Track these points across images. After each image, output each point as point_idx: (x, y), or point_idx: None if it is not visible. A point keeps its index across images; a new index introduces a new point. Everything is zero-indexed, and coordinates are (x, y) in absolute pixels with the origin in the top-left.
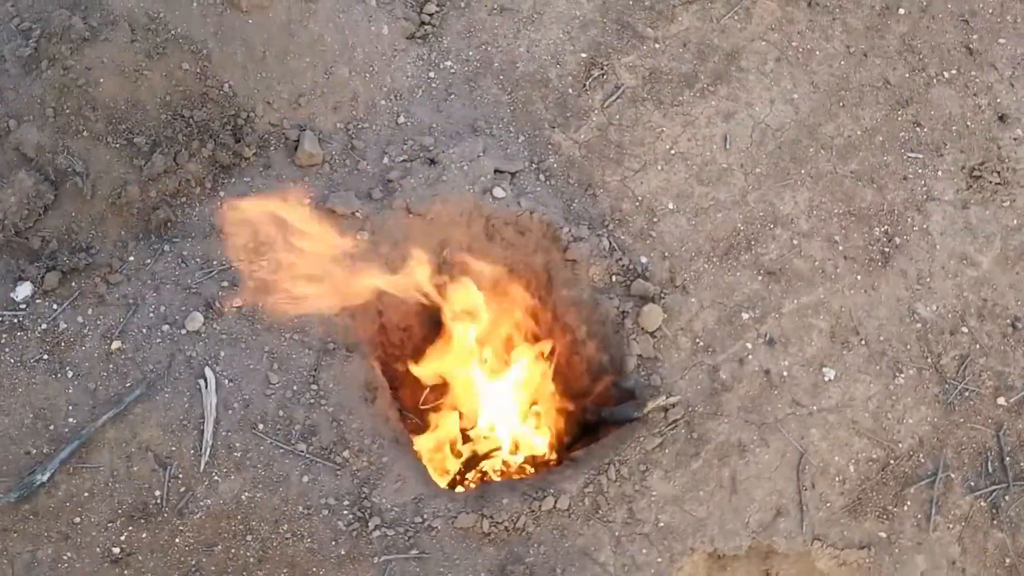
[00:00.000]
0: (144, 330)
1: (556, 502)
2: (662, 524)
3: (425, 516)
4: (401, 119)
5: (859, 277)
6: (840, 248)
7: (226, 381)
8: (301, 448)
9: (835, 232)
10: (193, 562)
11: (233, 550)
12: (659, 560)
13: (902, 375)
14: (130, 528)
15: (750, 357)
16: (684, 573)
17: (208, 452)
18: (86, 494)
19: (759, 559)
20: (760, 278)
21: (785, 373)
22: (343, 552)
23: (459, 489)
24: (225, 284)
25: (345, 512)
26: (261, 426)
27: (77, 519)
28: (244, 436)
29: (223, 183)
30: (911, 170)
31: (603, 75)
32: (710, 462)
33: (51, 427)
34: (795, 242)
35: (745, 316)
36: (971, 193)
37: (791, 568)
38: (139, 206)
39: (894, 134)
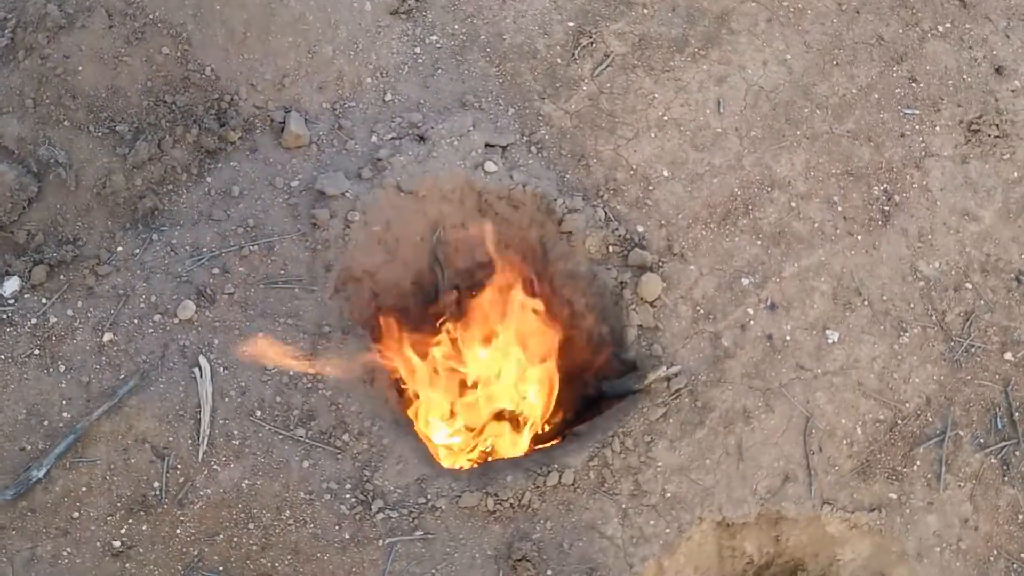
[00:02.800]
0: (135, 321)
1: (561, 477)
2: (669, 494)
3: (429, 496)
4: (388, 96)
5: (859, 237)
6: (839, 209)
7: (221, 369)
8: (300, 433)
9: (833, 193)
10: (195, 552)
11: (235, 539)
12: (667, 531)
13: (906, 334)
14: (130, 521)
15: (752, 323)
16: (693, 543)
17: (206, 441)
18: (84, 488)
19: (768, 526)
20: (759, 242)
21: (788, 337)
22: (347, 536)
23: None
24: (216, 271)
25: (347, 496)
26: (259, 413)
27: (76, 514)
28: (242, 423)
29: (209, 168)
30: (908, 127)
31: (592, 43)
32: (715, 430)
33: (45, 422)
34: (793, 204)
35: (745, 282)
36: (970, 147)
37: (801, 534)
38: (125, 195)
39: (890, 91)
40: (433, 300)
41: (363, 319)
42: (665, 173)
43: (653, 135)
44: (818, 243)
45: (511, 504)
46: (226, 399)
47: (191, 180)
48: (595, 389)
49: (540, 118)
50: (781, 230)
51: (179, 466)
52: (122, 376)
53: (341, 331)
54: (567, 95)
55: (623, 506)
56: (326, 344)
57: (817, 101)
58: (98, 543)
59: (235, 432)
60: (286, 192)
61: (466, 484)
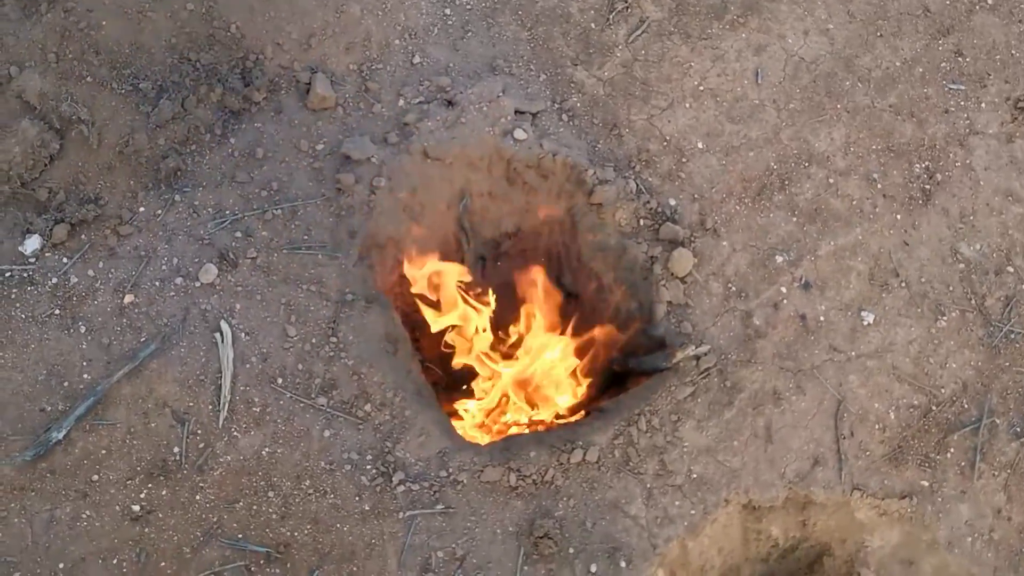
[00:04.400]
0: (157, 283)
1: (585, 454)
2: (695, 475)
3: (450, 470)
4: (416, 59)
5: (899, 216)
6: (879, 186)
7: (242, 335)
8: (321, 402)
9: (873, 169)
10: (215, 519)
11: (255, 506)
12: (692, 512)
13: (944, 318)
14: (149, 485)
15: (785, 302)
16: (718, 525)
17: (226, 407)
18: (103, 451)
19: (796, 510)
20: (795, 219)
21: (822, 318)
22: (367, 508)
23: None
24: (238, 235)
25: (368, 467)
26: (280, 380)
27: (95, 477)
28: (263, 391)
29: (233, 129)
30: (953, 103)
31: (627, 8)
32: (744, 411)
33: (65, 383)
34: (831, 181)
35: (779, 259)
36: (1016, 126)
37: (829, 519)
38: (147, 155)
39: (935, 65)
40: None
41: (387, 287)
42: (699, 145)
43: (688, 105)
44: (856, 221)
45: (534, 480)
46: (247, 365)
47: (214, 141)
48: (621, 365)
49: (572, 85)
50: (818, 207)
51: (199, 432)
52: (143, 339)
53: (365, 299)
54: (600, 62)
55: (648, 486)
56: (349, 312)
57: (859, 74)
58: (117, 507)
59: (256, 399)
60: (311, 155)
61: (488, 459)
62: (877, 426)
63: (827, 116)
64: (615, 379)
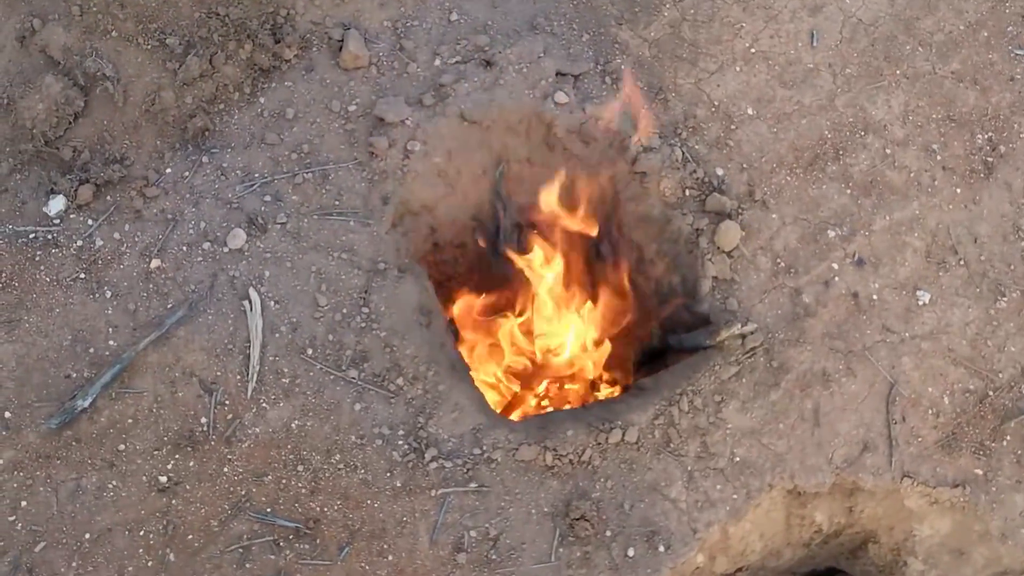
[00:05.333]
0: (184, 248)
1: (624, 434)
2: (738, 459)
3: (484, 447)
4: (454, 16)
5: (959, 190)
6: (938, 158)
7: (272, 303)
8: (352, 375)
9: (933, 140)
10: (243, 492)
11: (284, 480)
12: (734, 496)
13: (1004, 299)
14: (176, 456)
15: (836, 279)
16: (761, 510)
17: (255, 378)
18: (130, 420)
19: (843, 496)
20: (848, 191)
21: (875, 296)
22: (399, 484)
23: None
24: (267, 199)
25: (400, 442)
26: (310, 351)
27: (121, 446)
28: (292, 361)
29: (263, 88)
30: (1019, 69)
31: None
32: (791, 393)
33: (91, 350)
34: (888, 151)
35: (831, 234)
36: None
37: (877, 506)
38: (174, 113)
39: (1000, 29)
40: (494, 237)
41: (421, 256)
42: (749, 111)
43: (738, 69)
44: (913, 195)
45: (570, 460)
46: (276, 335)
47: (243, 100)
48: (661, 341)
49: (616, 46)
50: (873, 179)
51: (227, 402)
52: (170, 305)
53: (398, 269)
54: (646, 21)
55: (689, 468)
56: (381, 282)
57: (920, 37)
58: (144, 477)
59: (285, 370)
60: (343, 117)
61: (523, 436)
62: (930, 411)
63: (885, 82)
64: (654, 355)
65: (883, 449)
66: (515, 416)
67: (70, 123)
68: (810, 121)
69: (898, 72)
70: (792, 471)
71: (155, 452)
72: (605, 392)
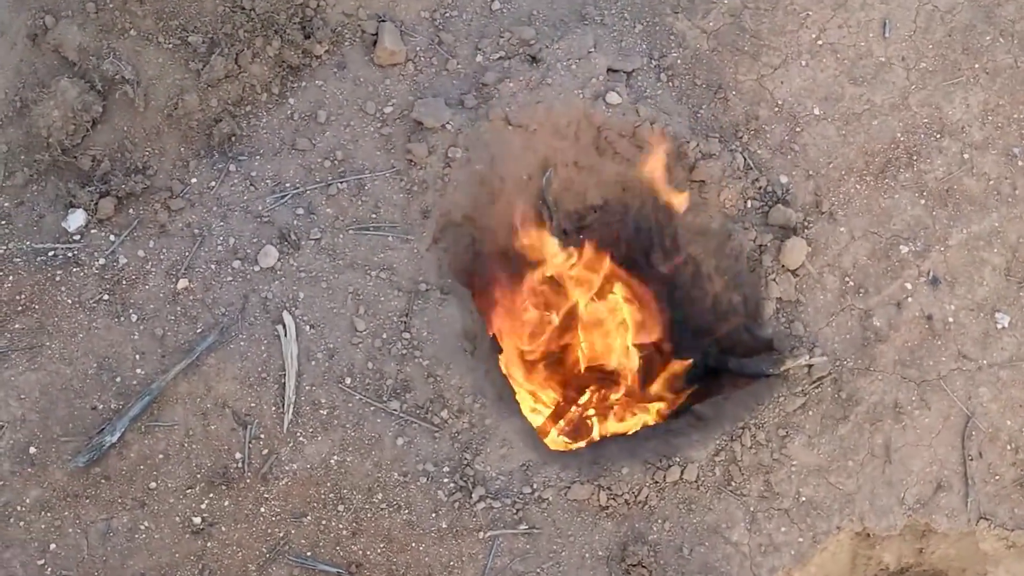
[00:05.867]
0: (212, 266)
1: (683, 472)
2: (804, 499)
3: (535, 486)
4: (496, 5)
5: None
6: (1020, 164)
7: (307, 327)
8: (394, 406)
9: (1015, 143)
10: (281, 534)
11: (324, 521)
12: (800, 540)
13: None
14: (211, 495)
15: (909, 300)
16: (827, 553)
17: (291, 409)
18: (161, 456)
19: (914, 538)
20: (922, 202)
21: (951, 319)
22: (444, 525)
23: None
24: (300, 212)
25: (446, 480)
26: (348, 380)
27: (153, 484)
28: (330, 391)
29: (292, 88)
30: None
31: None
32: (860, 427)
33: (117, 379)
34: (966, 156)
35: (904, 249)
36: None
37: (950, 548)
38: (199, 118)
39: None
40: None
41: (464, 273)
42: (816, 111)
43: (804, 63)
44: (992, 205)
45: (626, 500)
46: (312, 362)
47: (272, 101)
48: (717, 362)
49: (672, 37)
50: (949, 187)
51: (262, 436)
52: (199, 330)
53: (440, 290)
54: (704, 9)
55: (751, 509)
56: (423, 305)
57: (1001, 27)
58: (177, 518)
59: (323, 400)
60: (379, 120)
61: (576, 474)
62: (1009, 446)
63: (963, 77)
64: (709, 371)
65: (958, 488)
66: (560, 425)
67: (88, 130)
68: (881, 122)
69: (977, 66)
70: (861, 512)
71: (188, 490)
72: (654, 411)
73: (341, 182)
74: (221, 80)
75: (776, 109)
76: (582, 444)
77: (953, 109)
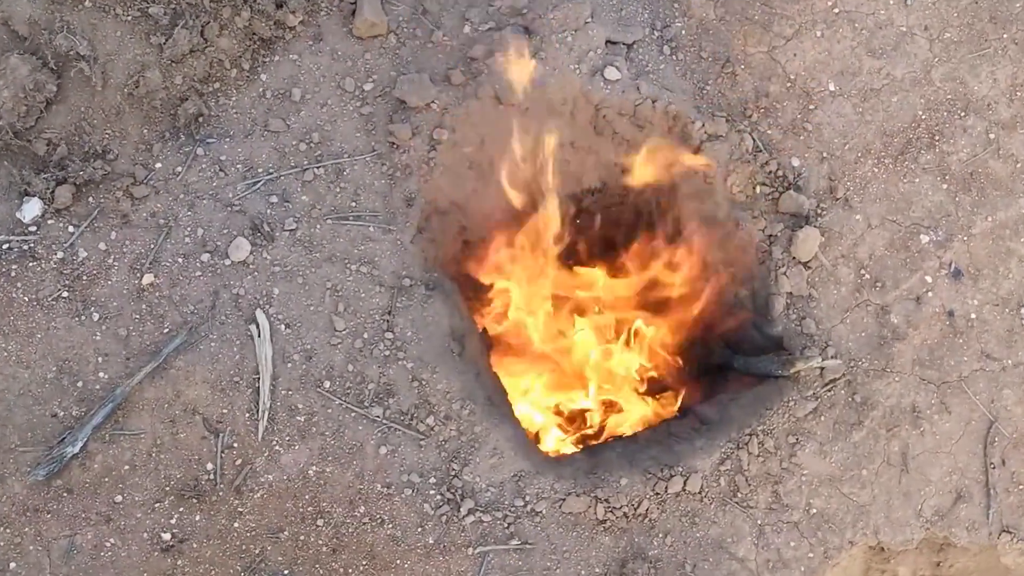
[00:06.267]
0: (180, 260)
1: (686, 483)
2: (815, 511)
3: (527, 498)
4: None
5: None
6: None
7: (282, 326)
8: (376, 413)
9: None
10: (257, 551)
11: (302, 537)
12: (810, 555)
13: None
14: (181, 509)
15: (929, 294)
16: (839, 568)
17: (266, 416)
18: (127, 467)
19: (931, 551)
20: (945, 186)
21: (974, 315)
22: (431, 541)
23: None
24: (274, 199)
25: (432, 492)
26: (327, 384)
27: (119, 497)
28: (308, 396)
29: (264, 63)
30: None
31: None
32: (876, 433)
33: (79, 383)
34: (992, 136)
35: (924, 239)
36: None
37: (969, 562)
38: (162, 97)
39: None
40: None
41: (451, 265)
42: (831, 87)
43: (819, 33)
44: (1020, 190)
45: (625, 513)
46: (288, 364)
47: (242, 78)
48: (723, 358)
49: (676, 5)
50: (974, 170)
51: (235, 445)
52: (166, 330)
53: (425, 285)
54: None
55: (759, 522)
56: (407, 302)
57: None
58: (145, 534)
59: (300, 406)
60: (358, 98)
61: (571, 485)
62: None
63: (990, 49)
64: (712, 369)
65: (979, 499)
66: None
67: (42, 112)
68: (902, 99)
69: (1006, 36)
70: (876, 525)
71: (156, 504)
72: (652, 405)
73: (318, 167)
74: (186, 55)
75: (788, 85)
76: (578, 448)
77: (979, 84)
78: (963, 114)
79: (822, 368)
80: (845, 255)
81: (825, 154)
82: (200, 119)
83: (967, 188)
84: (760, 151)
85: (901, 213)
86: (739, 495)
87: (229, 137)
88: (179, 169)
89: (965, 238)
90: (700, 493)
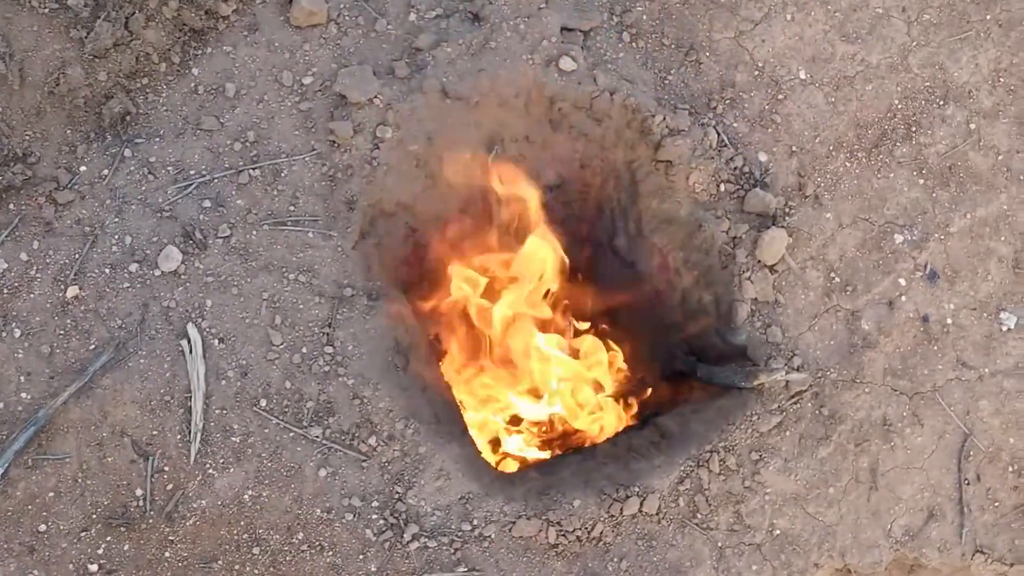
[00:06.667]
0: (107, 271)
1: (642, 504)
2: (778, 532)
3: (475, 522)
4: None
5: None
6: None
7: (215, 341)
8: (316, 433)
9: None
10: None
11: (237, 566)
12: None
13: None
14: (108, 538)
15: (903, 298)
16: None
17: (199, 437)
18: (51, 494)
19: (901, 572)
20: (922, 181)
21: (949, 320)
22: (373, 568)
23: None
24: (207, 204)
25: (374, 517)
26: (264, 402)
27: (43, 527)
28: (243, 416)
29: (195, 56)
30: None
31: None
32: (844, 448)
33: (0, 404)
34: (972, 126)
35: (899, 239)
36: None
37: None
38: (85, 95)
39: None
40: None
41: (397, 272)
42: (802, 75)
43: (790, 16)
44: (1001, 184)
45: (578, 536)
46: (223, 382)
47: (172, 73)
48: (686, 366)
49: None
50: (952, 164)
51: (167, 469)
52: (93, 346)
53: (367, 295)
54: None
55: (719, 544)
56: (348, 313)
57: None
58: (71, 565)
59: (235, 426)
60: (296, 93)
61: (522, 508)
62: (1011, 468)
63: (972, 32)
64: (673, 375)
65: (952, 517)
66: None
67: None
68: (877, 87)
69: (989, 17)
70: (843, 547)
71: (83, 533)
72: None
73: (254, 168)
74: (109, 49)
75: (756, 73)
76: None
77: (960, 70)
78: (942, 103)
79: (787, 381)
80: (814, 257)
81: (794, 148)
82: (127, 118)
83: (945, 183)
84: (725, 146)
85: (874, 211)
86: (698, 516)
87: (159, 137)
88: (105, 172)
89: (942, 237)
90: (658, 515)
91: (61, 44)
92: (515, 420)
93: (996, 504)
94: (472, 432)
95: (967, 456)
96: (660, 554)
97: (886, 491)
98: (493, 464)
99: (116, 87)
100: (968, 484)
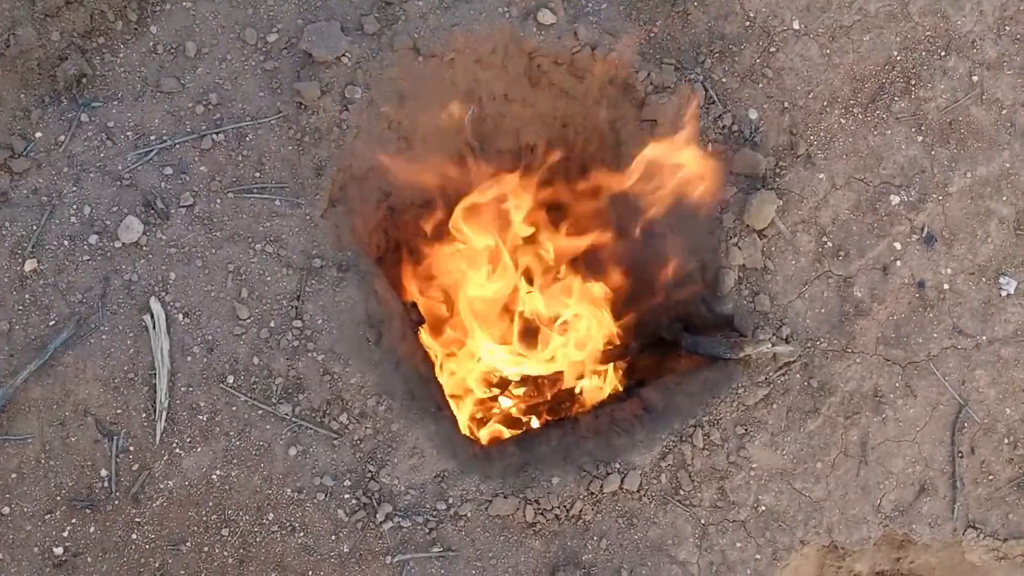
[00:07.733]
0: (65, 243)
1: (623, 480)
2: (763, 508)
3: (450, 501)
4: None
5: None
6: None
7: (180, 316)
8: (285, 410)
9: None
10: (157, 564)
11: (206, 548)
12: (757, 557)
13: None
14: (73, 520)
15: (898, 263)
16: (789, 570)
17: (164, 416)
18: (13, 476)
19: (890, 548)
20: (920, 138)
21: (946, 286)
22: (345, 549)
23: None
24: (168, 171)
25: (347, 496)
26: (231, 379)
27: (6, 509)
28: (210, 392)
29: (153, 13)
30: None
31: None
32: (833, 421)
33: None
34: (975, 78)
35: (895, 200)
36: None
37: (931, 557)
38: (39, 56)
39: None
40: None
41: (369, 240)
42: (795, 25)
43: None
44: (1004, 141)
45: (556, 515)
46: (188, 358)
47: (129, 31)
48: (671, 334)
49: None
50: (953, 119)
51: (132, 448)
52: (52, 322)
53: (337, 266)
54: None
55: (703, 521)
56: (317, 285)
57: None
58: (36, 548)
59: (202, 404)
60: (261, 51)
61: (499, 486)
62: (1006, 440)
63: None
64: (657, 343)
65: (944, 491)
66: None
67: None
68: (875, 37)
69: None
70: (830, 524)
71: (47, 516)
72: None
73: (217, 132)
74: (62, 7)
75: (747, 24)
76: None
77: (963, 18)
78: (943, 54)
79: (774, 353)
80: (805, 220)
81: (786, 104)
82: (83, 80)
83: (945, 140)
84: (713, 103)
85: (870, 170)
86: (681, 493)
87: (117, 100)
88: (62, 138)
89: (940, 198)
90: (639, 492)
91: (10, 3)
92: (502, 383)
93: (990, 477)
94: (453, 405)
95: (961, 428)
96: (641, 532)
97: (876, 465)
98: (477, 431)
99: (70, 47)
100: (962, 457)
